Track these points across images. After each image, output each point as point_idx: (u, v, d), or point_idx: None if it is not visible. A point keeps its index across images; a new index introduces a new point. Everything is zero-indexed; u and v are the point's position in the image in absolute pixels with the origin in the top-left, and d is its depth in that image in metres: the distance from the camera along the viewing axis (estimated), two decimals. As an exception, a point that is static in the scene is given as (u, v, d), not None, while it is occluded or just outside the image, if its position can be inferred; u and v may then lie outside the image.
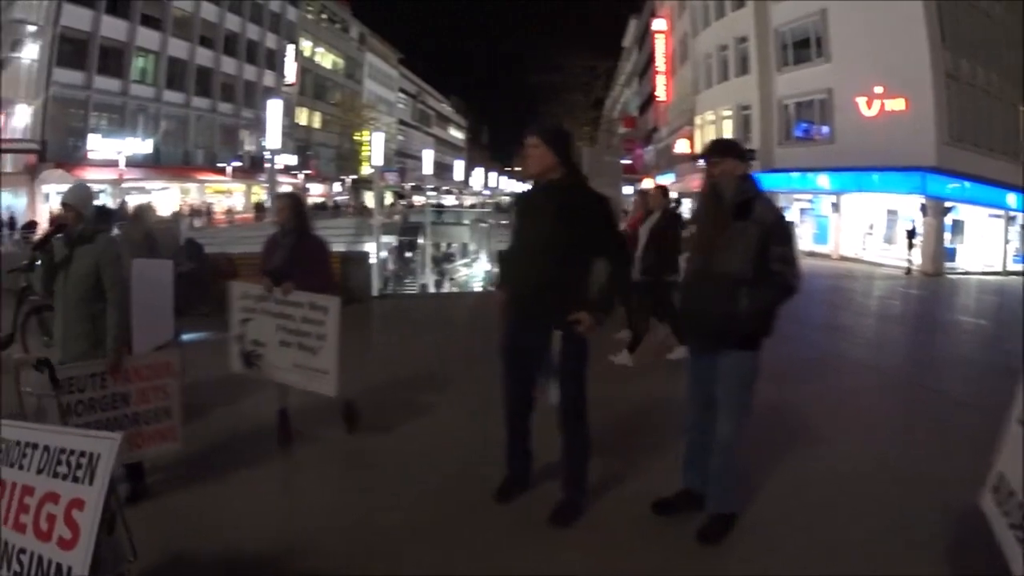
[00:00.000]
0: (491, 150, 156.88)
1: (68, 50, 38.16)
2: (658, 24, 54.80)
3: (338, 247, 17.32)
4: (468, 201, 77.81)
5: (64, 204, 4.82)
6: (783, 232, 4.14)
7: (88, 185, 5.40)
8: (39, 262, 5.07)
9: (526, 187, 4.95)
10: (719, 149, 4.38)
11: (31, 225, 30.30)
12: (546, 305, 4.38)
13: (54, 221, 5.02)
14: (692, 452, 4.66)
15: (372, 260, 16.88)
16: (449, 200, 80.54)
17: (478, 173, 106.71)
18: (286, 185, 51.81)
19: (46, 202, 34.88)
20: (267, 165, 43.60)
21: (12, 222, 32.45)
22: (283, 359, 6.01)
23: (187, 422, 5.41)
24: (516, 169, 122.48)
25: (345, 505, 5.08)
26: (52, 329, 6.36)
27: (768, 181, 28.44)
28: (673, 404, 6.55)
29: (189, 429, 5.46)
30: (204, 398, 6.75)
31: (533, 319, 4.51)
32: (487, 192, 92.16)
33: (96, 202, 5.09)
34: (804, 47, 32.26)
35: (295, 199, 6.43)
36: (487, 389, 6.14)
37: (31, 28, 35.72)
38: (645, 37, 60.91)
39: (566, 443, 4.65)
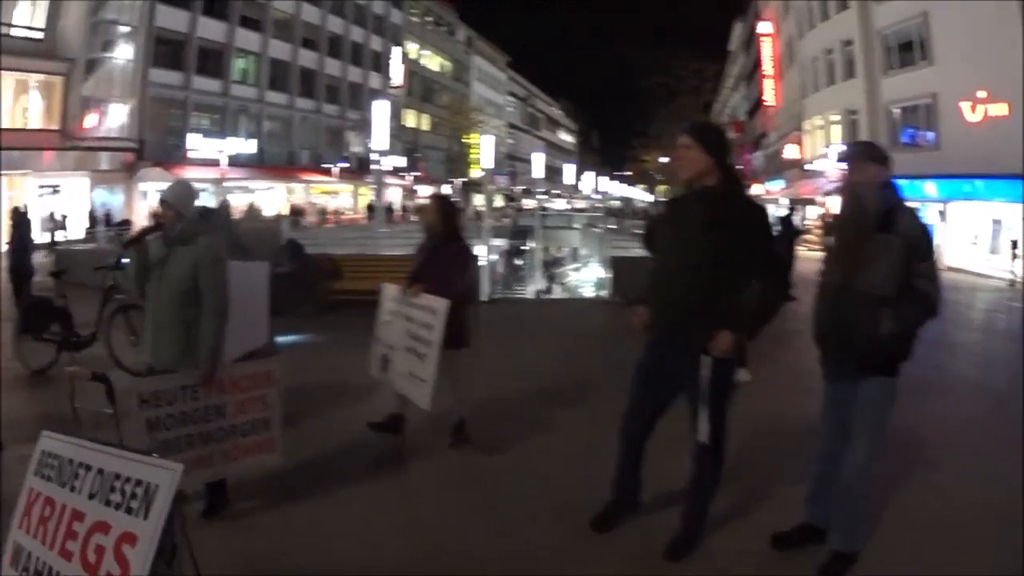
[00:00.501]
0: (601, 154, 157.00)
1: (164, 51, 39.86)
2: (763, 27, 54.65)
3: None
4: (579, 205, 78.07)
5: (163, 202, 4.66)
6: (928, 246, 3.99)
7: (190, 183, 5.19)
8: (126, 260, 4.89)
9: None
10: (861, 153, 4.21)
11: (126, 223, 31.54)
12: (693, 325, 4.09)
13: (155, 218, 4.77)
14: (819, 484, 4.48)
15: (482, 263, 16.60)
16: (560, 204, 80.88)
17: (588, 177, 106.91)
18: (394, 187, 52.57)
19: (144, 199, 36.50)
20: (374, 166, 44.37)
21: (108, 219, 33.94)
22: (404, 364, 5.92)
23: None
24: (627, 173, 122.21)
25: (445, 528, 4.84)
26: (139, 328, 6.17)
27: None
28: (793, 426, 6.70)
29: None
30: (297, 406, 6.44)
31: (679, 340, 4.22)
32: (597, 196, 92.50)
33: (197, 202, 4.84)
34: (908, 50, 31.89)
35: (441, 201, 6.34)
36: (604, 406, 6.16)
37: (124, 29, 37.38)
38: (751, 40, 60.78)
39: (696, 478, 4.42)
